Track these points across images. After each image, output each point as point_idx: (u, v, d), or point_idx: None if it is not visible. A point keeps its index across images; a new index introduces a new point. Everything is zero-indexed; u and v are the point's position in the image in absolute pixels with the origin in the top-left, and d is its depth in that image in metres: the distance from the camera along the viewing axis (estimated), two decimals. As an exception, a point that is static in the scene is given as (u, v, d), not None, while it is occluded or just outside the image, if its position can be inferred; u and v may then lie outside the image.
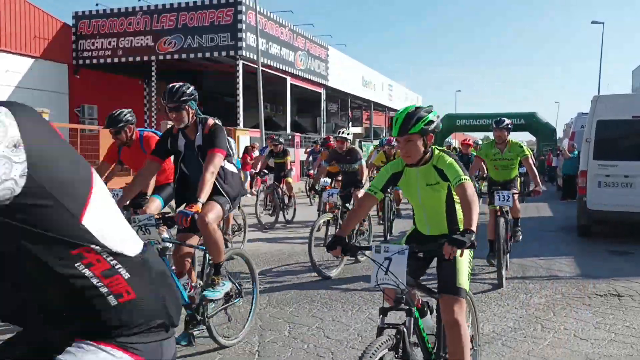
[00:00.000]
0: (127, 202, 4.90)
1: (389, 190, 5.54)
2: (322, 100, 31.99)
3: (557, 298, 6.09)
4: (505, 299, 6.02)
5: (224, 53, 22.11)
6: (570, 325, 5.14)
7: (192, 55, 22.55)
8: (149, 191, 5.80)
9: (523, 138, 75.80)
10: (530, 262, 8.04)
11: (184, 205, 4.36)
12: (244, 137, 21.38)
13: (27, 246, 1.25)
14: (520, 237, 7.95)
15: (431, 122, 3.16)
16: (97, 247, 1.32)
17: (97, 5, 23.67)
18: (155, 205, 5.65)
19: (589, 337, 4.83)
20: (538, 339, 4.78)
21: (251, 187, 18.82)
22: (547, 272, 7.44)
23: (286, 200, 12.19)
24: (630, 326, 5.12)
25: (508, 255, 7.21)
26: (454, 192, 3.26)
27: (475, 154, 9.57)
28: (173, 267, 4.40)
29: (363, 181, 8.07)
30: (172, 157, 4.73)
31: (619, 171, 9.61)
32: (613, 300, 6.02)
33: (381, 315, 2.90)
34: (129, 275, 1.38)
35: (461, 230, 3.12)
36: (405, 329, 2.83)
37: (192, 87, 4.36)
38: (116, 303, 1.36)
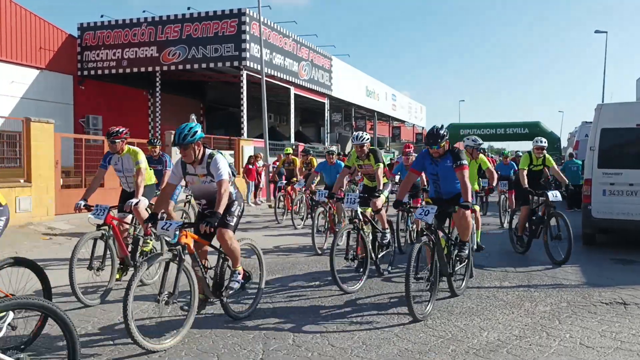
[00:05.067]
0: None
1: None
2: (326, 110, 32.08)
3: (562, 306, 6.07)
4: (511, 307, 6.00)
5: (228, 64, 22.23)
6: (575, 333, 5.11)
7: (196, 66, 22.68)
8: None
9: (527, 147, 75.72)
10: (536, 270, 8.02)
11: None
12: (248, 147, 21.44)
13: None
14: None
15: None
16: None
17: (102, 16, 23.97)
18: None
19: (595, 345, 4.80)
20: (543, 347, 4.76)
21: (255, 197, 18.85)
22: (552, 280, 7.42)
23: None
24: (636, 334, 5.09)
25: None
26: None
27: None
28: None
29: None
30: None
31: (624, 179, 9.59)
32: (619, 308, 5.99)
33: None
34: None
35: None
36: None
37: None
38: None
